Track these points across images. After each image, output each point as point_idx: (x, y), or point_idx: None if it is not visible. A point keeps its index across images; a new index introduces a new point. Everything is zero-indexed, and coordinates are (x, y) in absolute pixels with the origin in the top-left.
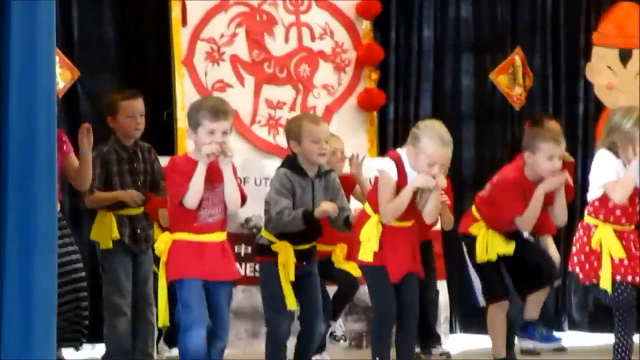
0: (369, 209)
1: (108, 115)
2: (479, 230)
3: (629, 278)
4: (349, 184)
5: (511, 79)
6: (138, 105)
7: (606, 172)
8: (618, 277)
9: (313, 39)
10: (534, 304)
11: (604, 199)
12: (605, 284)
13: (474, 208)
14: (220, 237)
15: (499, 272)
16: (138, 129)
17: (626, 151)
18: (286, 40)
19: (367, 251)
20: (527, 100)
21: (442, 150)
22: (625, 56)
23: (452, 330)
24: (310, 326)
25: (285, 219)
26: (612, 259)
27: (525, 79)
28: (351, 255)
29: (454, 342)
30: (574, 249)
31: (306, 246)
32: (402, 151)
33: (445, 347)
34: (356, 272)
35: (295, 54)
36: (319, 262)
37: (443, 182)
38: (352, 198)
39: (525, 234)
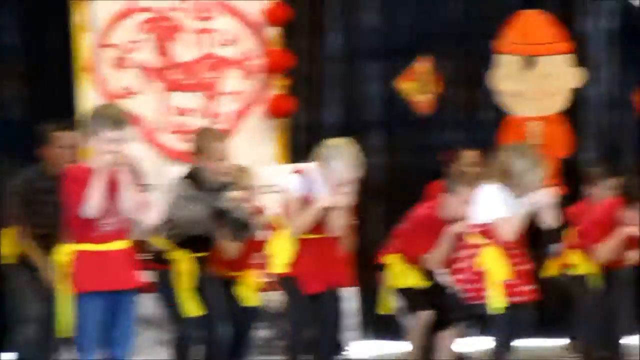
0: (280, 222)
1: (40, 144)
2: (394, 260)
3: (515, 299)
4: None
5: (418, 86)
6: (70, 137)
7: (496, 208)
8: (506, 299)
9: (221, 45)
10: (443, 347)
11: (490, 225)
12: (495, 306)
13: (392, 239)
14: (122, 245)
15: (419, 292)
16: (68, 161)
17: (516, 189)
18: (194, 46)
19: (279, 263)
20: (436, 106)
21: (352, 169)
22: (529, 63)
23: (364, 336)
24: (215, 331)
25: (189, 217)
26: (498, 281)
27: (433, 86)
28: (264, 266)
29: (366, 348)
30: (458, 266)
31: (204, 254)
32: (310, 166)
33: (351, 355)
34: (253, 301)
35: (203, 60)
36: (224, 282)
37: (349, 200)
38: None
39: (442, 279)
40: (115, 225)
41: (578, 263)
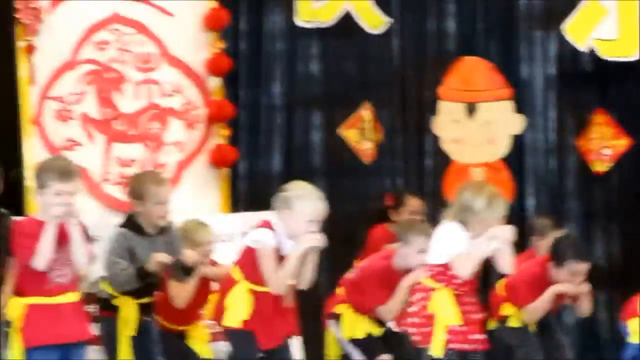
0: (237, 275)
1: None
2: (345, 310)
3: (460, 346)
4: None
5: (360, 134)
6: None
7: (454, 245)
8: (450, 345)
9: (163, 96)
10: None
11: (445, 266)
12: (437, 351)
13: (339, 289)
14: (72, 297)
15: (375, 341)
16: None
17: (475, 229)
18: (136, 97)
19: (235, 317)
20: (376, 154)
21: (319, 205)
22: (470, 110)
23: None
24: None
25: (121, 279)
26: (446, 326)
27: (374, 134)
28: (217, 318)
29: None
30: (410, 310)
31: (147, 299)
32: (272, 218)
33: None
34: (207, 353)
35: (145, 111)
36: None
37: (323, 241)
38: None
39: (392, 325)
40: (66, 277)
41: (512, 314)
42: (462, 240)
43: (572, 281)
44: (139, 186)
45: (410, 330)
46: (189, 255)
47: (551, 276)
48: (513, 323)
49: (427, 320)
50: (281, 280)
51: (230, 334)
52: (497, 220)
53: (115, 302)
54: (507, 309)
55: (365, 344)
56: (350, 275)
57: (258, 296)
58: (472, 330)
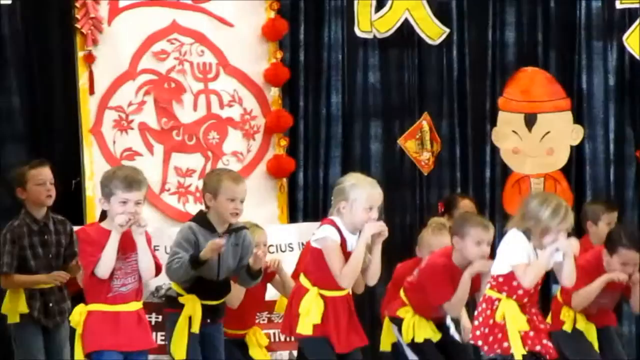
0: (305, 282)
1: (17, 187)
2: (406, 314)
3: (537, 348)
4: (268, 274)
5: (419, 145)
6: (47, 172)
7: (518, 254)
8: (525, 348)
9: (222, 106)
10: None
11: (509, 276)
12: (518, 355)
13: (402, 292)
14: (135, 306)
15: (433, 347)
16: (49, 196)
17: (540, 238)
18: (195, 107)
19: (307, 324)
20: (435, 165)
21: (376, 190)
22: (530, 121)
23: None
24: None
25: (174, 266)
26: (520, 331)
27: (433, 144)
28: (289, 330)
29: None
30: (476, 322)
31: (214, 302)
32: (333, 217)
33: None
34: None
35: (204, 121)
36: (235, 343)
37: (384, 227)
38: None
39: (455, 334)
40: (129, 287)
41: (567, 319)
42: (526, 250)
43: (623, 270)
44: (215, 181)
45: (479, 342)
46: (256, 259)
47: (603, 265)
48: (568, 327)
49: (491, 330)
50: (349, 273)
51: (304, 343)
52: (563, 232)
53: (181, 299)
54: (565, 314)
55: (423, 348)
56: (410, 277)
57: (329, 301)
58: (542, 337)
